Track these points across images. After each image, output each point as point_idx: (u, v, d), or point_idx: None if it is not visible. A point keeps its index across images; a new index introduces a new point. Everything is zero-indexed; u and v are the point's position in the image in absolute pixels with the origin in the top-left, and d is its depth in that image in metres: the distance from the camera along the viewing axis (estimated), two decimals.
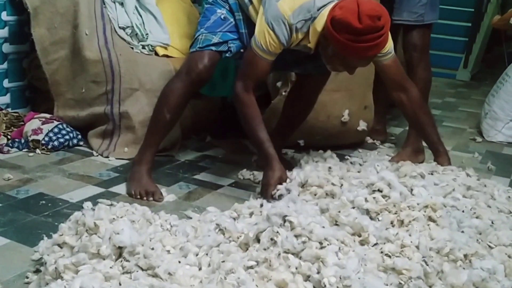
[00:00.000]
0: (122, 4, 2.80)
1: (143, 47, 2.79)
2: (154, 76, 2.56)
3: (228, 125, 2.75)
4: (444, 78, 5.40)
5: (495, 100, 3.40)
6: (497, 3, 6.06)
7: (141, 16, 2.90)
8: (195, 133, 2.87)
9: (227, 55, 2.09)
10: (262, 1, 1.92)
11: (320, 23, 1.83)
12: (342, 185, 1.83)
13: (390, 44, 1.99)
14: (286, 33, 1.85)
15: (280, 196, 1.83)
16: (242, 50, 2.09)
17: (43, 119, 2.59)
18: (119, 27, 2.73)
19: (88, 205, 1.65)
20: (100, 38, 2.61)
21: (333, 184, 1.83)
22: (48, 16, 2.60)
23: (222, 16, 2.09)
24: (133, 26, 2.78)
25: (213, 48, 2.06)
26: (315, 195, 1.80)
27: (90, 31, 2.60)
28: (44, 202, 1.96)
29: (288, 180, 1.90)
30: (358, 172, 1.98)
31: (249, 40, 1.99)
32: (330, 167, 1.95)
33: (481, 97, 4.10)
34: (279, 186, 1.87)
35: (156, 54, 2.84)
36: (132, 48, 2.72)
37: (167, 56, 2.76)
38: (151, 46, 2.83)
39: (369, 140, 2.99)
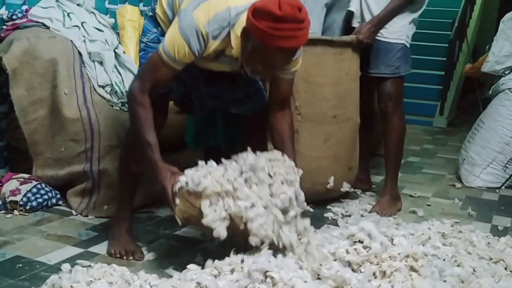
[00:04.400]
0: (101, 63, 2.84)
1: (123, 104, 2.81)
2: None
3: None
4: (421, 126, 5.51)
5: (471, 146, 3.46)
6: (468, 52, 6.28)
7: (120, 74, 2.94)
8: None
9: (170, 95, 2.07)
10: (178, 13, 1.88)
11: (240, 27, 1.79)
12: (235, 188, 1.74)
13: (298, 65, 2.01)
14: (198, 42, 1.80)
15: (180, 189, 1.73)
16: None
17: (21, 180, 2.56)
18: (99, 86, 2.76)
19: (66, 267, 1.62)
20: (79, 97, 2.63)
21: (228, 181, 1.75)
22: (27, 77, 2.61)
23: None
24: (112, 84, 2.82)
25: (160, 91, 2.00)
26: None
27: (69, 90, 2.62)
28: (21, 265, 1.91)
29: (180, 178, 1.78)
30: None
31: (188, 74, 1.99)
32: (226, 167, 1.81)
33: (458, 143, 4.18)
34: (179, 178, 1.76)
35: None
36: (112, 105, 2.75)
37: None
38: None
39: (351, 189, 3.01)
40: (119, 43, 3.07)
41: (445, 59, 6.15)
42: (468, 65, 4.74)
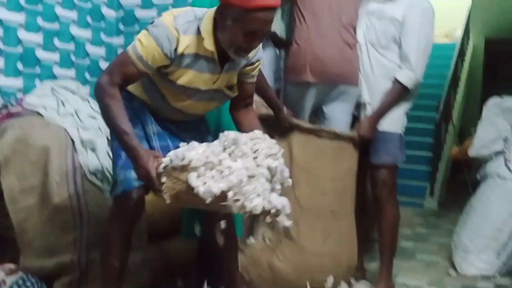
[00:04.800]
0: (93, 149, 2.85)
1: None
2: None
3: (204, 268, 2.66)
4: (412, 208, 5.49)
5: (463, 232, 3.45)
6: (454, 133, 6.40)
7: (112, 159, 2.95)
8: (167, 276, 2.78)
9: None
10: None
11: (208, 21, 1.86)
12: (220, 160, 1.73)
13: (257, 68, 2.09)
14: (168, 38, 1.82)
15: (165, 168, 1.72)
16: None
17: (7, 270, 2.49)
18: (90, 173, 2.76)
19: None
20: (70, 185, 2.61)
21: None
22: (19, 165, 2.60)
23: None
24: (103, 170, 2.81)
25: (136, 183, 2.00)
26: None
27: (60, 178, 2.60)
28: None
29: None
30: None
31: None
32: (208, 145, 1.81)
33: (451, 226, 4.17)
34: (162, 160, 1.74)
35: None
36: (103, 192, 2.73)
37: None
38: None
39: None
40: None
41: (432, 140, 6.26)
42: (455, 148, 4.84)
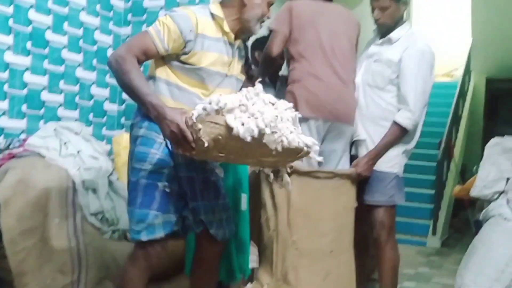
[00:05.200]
0: (94, 190, 2.87)
1: (114, 232, 2.80)
2: (122, 263, 2.52)
3: None
4: (415, 246, 5.44)
5: (466, 272, 3.39)
6: (456, 171, 6.39)
7: (112, 200, 2.95)
8: None
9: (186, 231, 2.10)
10: None
11: (217, 7, 2.07)
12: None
13: None
14: (183, 17, 1.98)
15: (199, 116, 1.76)
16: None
17: None
18: (90, 214, 2.76)
19: None
20: (70, 226, 2.62)
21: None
22: (19, 206, 2.59)
23: (166, 189, 2.01)
24: (103, 212, 2.82)
25: (175, 227, 2.02)
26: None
27: (60, 219, 2.61)
28: None
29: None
30: None
31: (189, 186, 2.06)
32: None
33: (454, 266, 4.11)
34: (194, 111, 1.77)
35: (126, 238, 2.84)
36: (102, 234, 2.73)
37: None
38: (122, 230, 2.84)
39: None
40: (114, 169, 3.12)
41: (434, 178, 6.24)
42: (457, 187, 4.80)
